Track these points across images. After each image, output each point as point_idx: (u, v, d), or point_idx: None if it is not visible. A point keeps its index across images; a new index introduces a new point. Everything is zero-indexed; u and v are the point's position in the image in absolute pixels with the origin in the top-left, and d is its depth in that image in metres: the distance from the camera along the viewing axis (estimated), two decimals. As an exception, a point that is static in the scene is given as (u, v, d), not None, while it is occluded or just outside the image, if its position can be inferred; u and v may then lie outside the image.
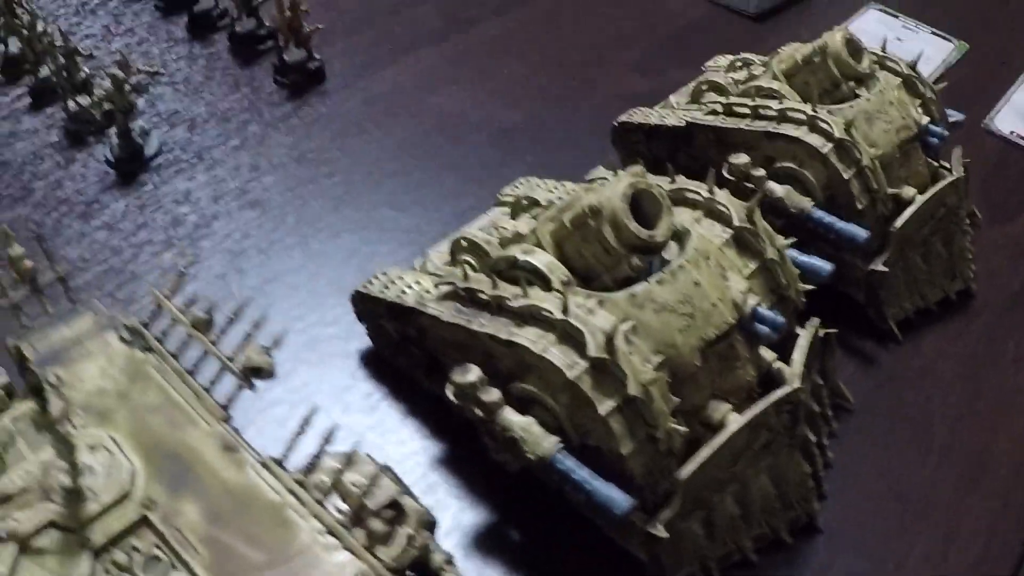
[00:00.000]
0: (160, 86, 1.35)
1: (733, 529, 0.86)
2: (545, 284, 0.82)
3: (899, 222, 1.04)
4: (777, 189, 1.03)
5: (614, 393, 0.76)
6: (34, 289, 0.77)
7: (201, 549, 0.64)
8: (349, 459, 0.67)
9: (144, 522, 0.65)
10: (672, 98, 1.26)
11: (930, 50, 1.56)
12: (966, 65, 1.57)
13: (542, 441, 0.78)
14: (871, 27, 1.61)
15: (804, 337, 0.91)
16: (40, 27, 1.32)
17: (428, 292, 0.91)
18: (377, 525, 0.66)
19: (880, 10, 1.66)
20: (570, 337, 0.78)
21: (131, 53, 1.41)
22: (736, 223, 0.89)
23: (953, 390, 1.06)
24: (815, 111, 1.03)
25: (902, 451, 1.00)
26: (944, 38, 1.61)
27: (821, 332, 0.93)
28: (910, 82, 1.12)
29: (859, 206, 1.02)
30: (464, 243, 0.94)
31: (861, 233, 1.00)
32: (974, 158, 1.16)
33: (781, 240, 0.92)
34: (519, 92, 1.40)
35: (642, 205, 0.82)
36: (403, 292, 0.93)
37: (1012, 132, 1.42)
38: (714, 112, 1.11)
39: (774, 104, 1.06)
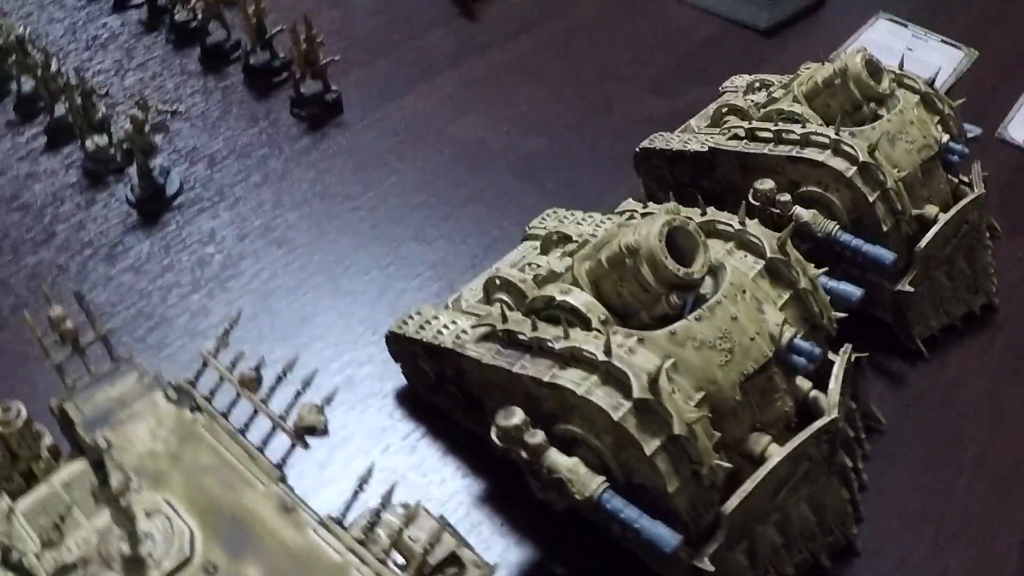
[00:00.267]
0: (177, 122, 1.35)
1: (775, 557, 0.86)
2: (584, 323, 0.83)
3: (923, 242, 1.05)
4: (803, 214, 1.03)
5: (659, 432, 0.76)
6: (76, 350, 0.78)
7: (265, 612, 0.65)
8: (409, 515, 0.67)
9: (206, 587, 0.66)
10: (693, 122, 1.26)
11: (940, 59, 1.56)
12: (977, 72, 1.57)
13: (589, 482, 0.78)
14: (881, 38, 1.61)
15: (838, 364, 0.91)
16: (54, 66, 1.32)
17: (465, 332, 0.92)
18: (439, 581, 0.67)
19: (889, 20, 1.66)
20: (613, 378, 0.78)
21: (145, 88, 1.41)
22: (768, 254, 0.90)
23: (981, 406, 1.07)
24: (838, 134, 1.03)
25: (934, 470, 1.00)
26: (954, 46, 1.61)
27: (852, 356, 0.93)
28: (928, 99, 1.12)
29: (884, 228, 1.03)
30: (498, 282, 0.95)
31: (888, 256, 1.01)
32: (989, 169, 1.16)
33: (813, 270, 0.92)
34: (537, 118, 1.40)
35: (678, 242, 0.83)
36: (439, 332, 0.94)
37: (1026, 140, 1.43)
38: (736, 137, 1.11)
39: (797, 128, 1.06)
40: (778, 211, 1.04)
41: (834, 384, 0.89)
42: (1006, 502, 0.98)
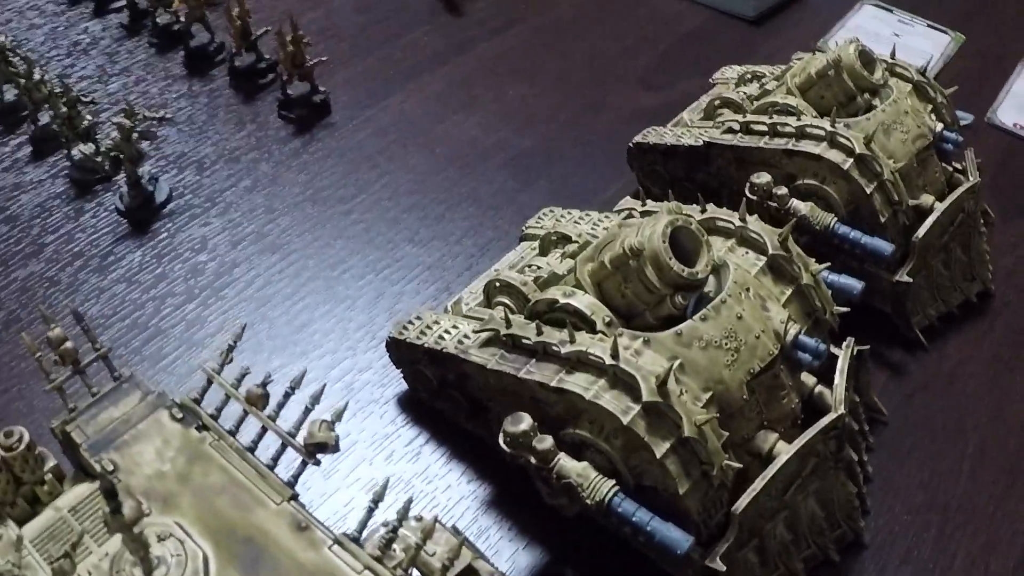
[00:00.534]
0: (164, 127, 1.33)
1: (784, 553, 0.86)
2: (588, 326, 0.82)
3: (921, 232, 1.04)
4: (801, 207, 1.03)
5: (669, 435, 0.76)
6: (76, 371, 0.77)
7: (284, 633, 0.64)
8: (425, 532, 0.66)
9: (223, 611, 0.65)
10: (685, 115, 1.25)
11: (927, 44, 1.56)
12: (964, 57, 1.57)
13: (600, 487, 0.78)
14: (868, 24, 1.61)
15: (842, 359, 0.91)
16: (37, 74, 1.30)
17: (467, 337, 0.91)
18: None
19: (875, 5, 1.66)
20: (621, 381, 0.78)
21: (129, 94, 1.40)
22: (770, 251, 0.89)
23: (982, 395, 1.07)
24: (834, 126, 1.03)
25: (938, 460, 1.01)
26: (940, 30, 1.61)
27: (855, 350, 0.93)
28: (920, 88, 1.12)
29: (882, 219, 1.03)
30: (499, 284, 0.94)
31: (887, 247, 1.00)
32: (980, 154, 1.16)
33: (815, 265, 0.92)
34: (527, 114, 1.40)
35: (680, 241, 0.82)
36: (441, 338, 0.93)
37: (1016, 124, 1.42)
38: (731, 130, 1.11)
39: (792, 120, 1.06)
40: (775, 205, 1.04)
41: (839, 379, 0.89)
42: (1011, 490, 0.99)
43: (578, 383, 0.79)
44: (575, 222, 1.05)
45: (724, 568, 0.79)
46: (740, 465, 0.80)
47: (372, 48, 1.51)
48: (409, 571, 0.66)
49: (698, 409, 0.78)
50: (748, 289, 0.85)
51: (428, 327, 0.95)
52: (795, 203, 1.04)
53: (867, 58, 1.09)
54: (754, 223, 0.92)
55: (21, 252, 1.18)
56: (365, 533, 0.69)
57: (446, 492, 0.94)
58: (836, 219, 1.03)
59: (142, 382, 0.78)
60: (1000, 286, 1.18)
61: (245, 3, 1.38)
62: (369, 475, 0.94)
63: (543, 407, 0.82)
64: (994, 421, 1.05)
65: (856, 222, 1.03)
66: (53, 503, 0.71)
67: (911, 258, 1.06)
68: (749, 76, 1.25)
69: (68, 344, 0.76)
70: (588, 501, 0.78)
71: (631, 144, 1.21)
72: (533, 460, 0.80)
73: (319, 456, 0.71)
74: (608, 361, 0.78)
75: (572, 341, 0.80)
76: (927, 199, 1.07)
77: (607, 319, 0.83)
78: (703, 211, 0.94)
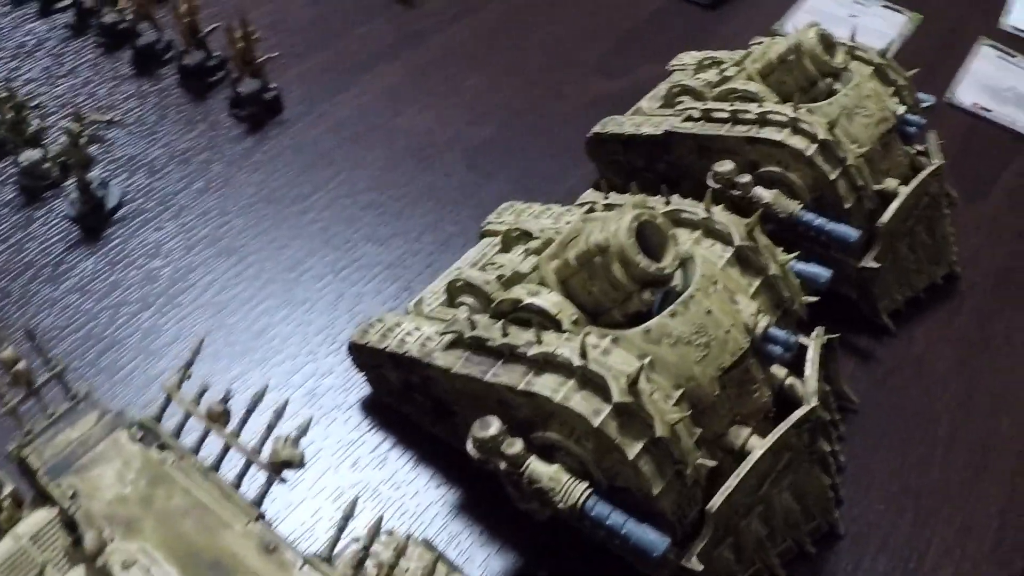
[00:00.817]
0: (113, 130, 1.30)
1: (760, 549, 0.85)
2: (555, 325, 0.81)
3: (886, 217, 1.04)
4: (765, 195, 1.02)
5: (641, 435, 0.75)
6: (31, 393, 0.74)
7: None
8: (397, 549, 0.64)
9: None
10: (643, 103, 1.24)
11: (885, 24, 1.56)
12: (922, 36, 1.57)
13: (573, 490, 0.77)
14: (824, 5, 1.60)
15: (812, 349, 0.90)
16: (-20, 79, 1.27)
17: (430, 339, 0.89)
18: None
19: (831, -15, 1.65)
20: (591, 382, 0.76)
21: (77, 96, 1.36)
22: (737, 242, 0.88)
23: (951, 379, 1.07)
24: (796, 112, 1.01)
25: (909, 446, 1.00)
26: (896, 10, 1.60)
27: (824, 339, 0.92)
28: (882, 71, 1.11)
29: (846, 205, 1.02)
30: (461, 284, 0.92)
31: (853, 234, 1.00)
32: (941, 134, 1.15)
33: (783, 255, 0.91)
34: (485, 105, 1.38)
35: (647, 236, 0.81)
36: (403, 341, 0.91)
37: (975, 104, 1.42)
38: (691, 118, 1.09)
39: (753, 107, 1.05)
40: (739, 193, 1.02)
41: (810, 370, 0.88)
42: (983, 473, 0.98)
43: (546, 386, 0.77)
44: (536, 216, 1.03)
45: (701, 568, 0.78)
46: (714, 463, 0.79)
47: (325, 41, 1.48)
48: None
49: (669, 408, 0.76)
50: (716, 282, 0.84)
51: (390, 330, 0.93)
52: (759, 191, 1.02)
53: (828, 42, 1.08)
54: (719, 214, 0.90)
55: (-31, 264, 1.14)
56: (336, 549, 0.67)
57: (414, 498, 0.92)
58: (801, 206, 1.02)
59: (99, 400, 0.75)
60: (966, 268, 1.17)
61: (193, 2, 1.34)
62: (335, 483, 0.92)
63: (511, 409, 0.80)
64: (964, 404, 1.04)
65: (821, 208, 1.02)
66: (13, 531, 0.69)
67: (877, 243, 1.05)
68: (708, 62, 1.24)
69: (21, 365, 0.73)
70: (561, 506, 0.77)
71: (590, 135, 1.19)
72: (503, 465, 0.78)
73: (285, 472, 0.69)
74: (577, 362, 0.76)
75: (539, 342, 0.79)
76: (891, 183, 1.06)
77: (574, 317, 0.81)
78: (667, 203, 0.93)
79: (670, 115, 1.13)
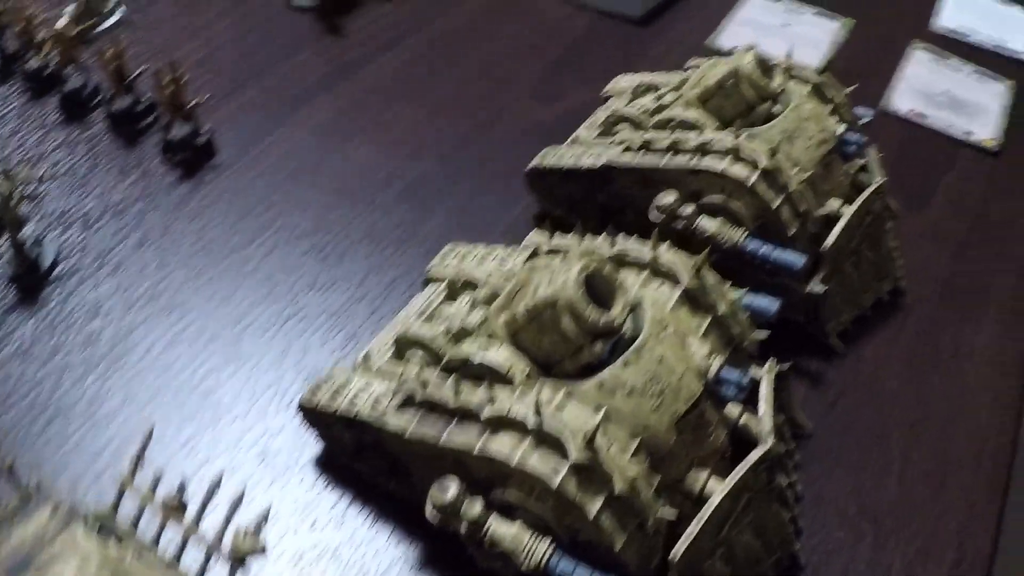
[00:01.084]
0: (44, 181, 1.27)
1: (724, 589, 0.85)
2: (507, 380, 0.80)
3: (830, 240, 1.03)
4: (709, 226, 1.02)
5: (601, 491, 0.74)
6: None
7: None
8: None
9: None
10: (582, 132, 1.23)
11: (818, 32, 1.56)
12: (855, 41, 1.57)
13: (535, 550, 0.76)
14: (756, 15, 1.60)
15: (765, 385, 0.90)
16: (-99, 135, 1.23)
17: (381, 399, 0.87)
18: None
19: (761, -5, 1.65)
20: (547, 440, 0.76)
21: (4, 147, 1.33)
22: (685, 283, 0.88)
23: (902, 396, 1.07)
24: (737, 140, 1.01)
25: (865, 468, 1.00)
26: (828, 16, 1.61)
27: (776, 371, 0.92)
28: (819, 89, 1.11)
29: (790, 232, 1.01)
30: (409, 338, 0.91)
31: (798, 261, 0.99)
32: (878, 143, 1.16)
33: (731, 292, 0.90)
34: (420, 138, 1.36)
35: (595, 286, 0.80)
36: (353, 402, 0.89)
37: (911, 110, 1.43)
38: (630, 149, 1.08)
39: (693, 135, 1.04)
40: (683, 224, 1.02)
41: (764, 407, 0.88)
42: (940, 490, 0.99)
43: (502, 448, 0.76)
44: (481, 261, 1.02)
45: (666, 614, 0.78)
46: (675, 512, 0.78)
47: (254, 77, 1.45)
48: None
49: (627, 463, 0.76)
50: (666, 326, 0.83)
51: (340, 389, 0.92)
52: (703, 222, 1.02)
53: (765, 66, 1.07)
54: (666, 254, 0.90)
55: (-101, 335, 1.11)
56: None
57: (375, 558, 0.91)
58: (746, 234, 1.01)
59: (52, 493, 0.73)
60: (911, 280, 1.18)
61: (120, 44, 1.31)
62: (295, 547, 0.91)
63: (468, 469, 0.80)
64: (917, 421, 1.05)
65: (765, 234, 1.02)
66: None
67: (822, 267, 1.05)
68: (643, 88, 1.23)
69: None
70: (525, 567, 0.76)
71: (528, 169, 1.18)
72: (464, 528, 0.77)
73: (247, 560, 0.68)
74: (532, 422, 0.76)
75: (492, 401, 0.78)
76: (834, 204, 1.06)
77: (526, 372, 0.81)
78: (612, 244, 0.92)
79: (609, 145, 1.13)
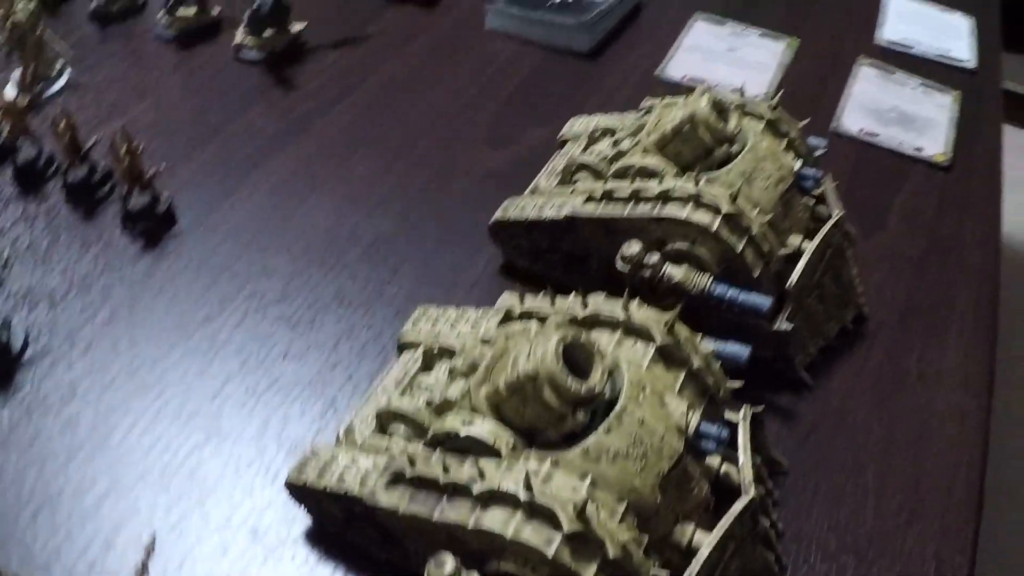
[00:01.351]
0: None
1: (714, 636, 0.87)
2: (493, 453, 0.81)
3: (794, 278, 1.05)
4: (675, 273, 1.03)
5: (593, 557, 0.76)
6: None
7: None
8: None
9: None
10: (541, 180, 1.24)
11: (764, 54, 1.58)
12: (802, 61, 1.59)
13: (535, 620, 0.77)
14: (703, 41, 1.62)
15: (742, 433, 0.92)
16: None
17: (369, 474, 0.88)
18: None
19: (707, 20, 1.67)
20: (539, 512, 0.77)
21: (-40, 224, 1.31)
22: (658, 340, 0.89)
23: (872, 425, 1.09)
24: (697, 186, 1.03)
25: (841, 500, 1.02)
26: (773, 38, 1.63)
27: (751, 416, 0.94)
28: (773, 124, 1.13)
29: (755, 274, 1.03)
30: (391, 413, 0.92)
31: (764, 303, 1.01)
32: (831, 166, 1.18)
33: (704, 346, 0.92)
34: (378, 194, 1.36)
35: (573, 355, 0.82)
36: (342, 478, 0.90)
37: (861, 130, 1.45)
38: (592, 199, 1.10)
39: (654, 183, 1.06)
40: (649, 273, 1.04)
41: (744, 457, 0.90)
42: (916, 514, 1.01)
43: (496, 522, 0.78)
44: (453, 325, 1.03)
45: (663, 666, 0.79)
46: (667, 572, 0.80)
47: (208, 137, 1.44)
48: None
49: (618, 527, 0.78)
50: (644, 387, 0.85)
51: (326, 465, 0.92)
52: (669, 269, 1.04)
53: (720, 107, 1.09)
54: (638, 312, 0.91)
55: None
56: None
57: (372, 631, 0.92)
58: (711, 279, 1.03)
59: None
60: (872, 305, 1.20)
61: (72, 116, 1.30)
62: (292, 631, 0.91)
63: (462, 543, 0.81)
64: (887, 448, 1.07)
65: (730, 276, 1.04)
66: None
67: (787, 304, 1.07)
68: (599, 132, 1.24)
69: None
70: (525, 637, 0.78)
71: (490, 224, 1.20)
72: (463, 606, 0.79)
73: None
74: (523, 496, 0.77)
75: (481, 476, 0.79)
76: (794, 240, 1.08)
77: (511, 443, 0.82)
78: (585, 305, 0.94)
79: (571, 194, 1.14)
